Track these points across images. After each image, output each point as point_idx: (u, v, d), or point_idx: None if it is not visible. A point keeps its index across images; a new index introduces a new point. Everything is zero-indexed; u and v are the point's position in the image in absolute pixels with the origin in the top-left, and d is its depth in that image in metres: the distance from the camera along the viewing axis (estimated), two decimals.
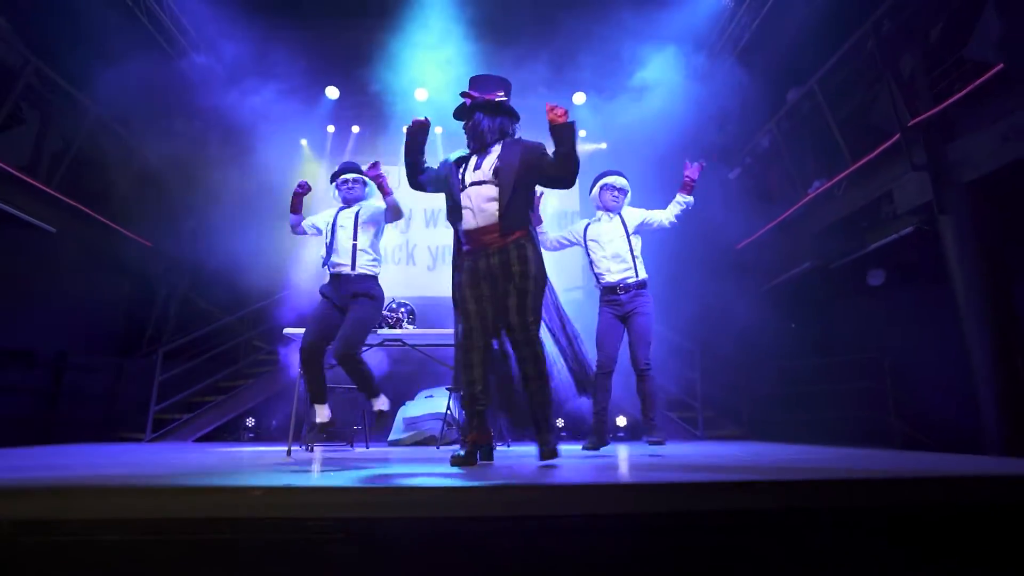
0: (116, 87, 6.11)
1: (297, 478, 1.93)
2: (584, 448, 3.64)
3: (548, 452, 2.56)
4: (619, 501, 1.60)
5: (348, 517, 1.55)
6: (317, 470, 2.42)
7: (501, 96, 2.82)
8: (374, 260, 3.56)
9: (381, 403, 3.41)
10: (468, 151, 2.86)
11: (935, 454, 3.67)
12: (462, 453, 2.52)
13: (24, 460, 3.06)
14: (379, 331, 4.09)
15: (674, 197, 3.83)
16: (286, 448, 3.94)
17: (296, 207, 3.69)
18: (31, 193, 5.44)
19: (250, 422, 6.58)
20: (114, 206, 6.58)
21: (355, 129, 8.41)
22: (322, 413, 3.41)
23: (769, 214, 6.54)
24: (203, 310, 7.47)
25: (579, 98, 7.99)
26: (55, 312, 5.92)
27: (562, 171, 2.65)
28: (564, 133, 2.61)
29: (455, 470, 2.28)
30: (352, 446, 5.06)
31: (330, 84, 7.90)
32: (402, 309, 4.28)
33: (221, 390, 6.63)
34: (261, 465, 2.69)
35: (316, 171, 8.23)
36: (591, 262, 3.86)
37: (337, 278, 3.48)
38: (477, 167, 2.75)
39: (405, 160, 2.89)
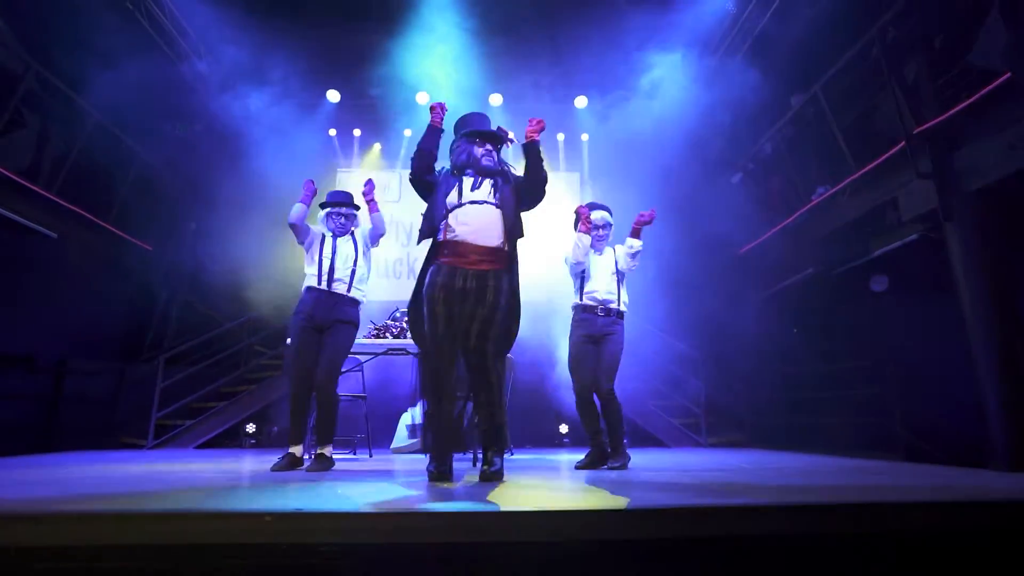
0: (117, 91, 6.08)
1: (306, 498, 1.91)
2: (577, 466, 3.58)
3: (492, 474, 2.63)
4: (586, 528, 1.59)
5: (359, 543, 1.54)
6: (326, 489, 2.40)
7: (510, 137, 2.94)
8: (364, 288, 3.65)
9: (328, 451, 3.44)
10: (453, 168, 2.89)
11: (941, 468, 3.67)
12: (434, 470, 2.63)
13: (26, 473, 3.04)
14: (382, 340, 4.08)
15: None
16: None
17: (307, 197, 3.67)
18: (32, 198, 5.42)
19: (252, 428, 6.55)
20: (115, 211, 6.55)
21: (356, 133, 8.38)
22: (298, 451, 3.39)
23: (772, 220, 6.52)
24: (204, 315, 7.44)
25: (581, 102, 7.98)
26: (56, 317, 5.89)
27: (531, 183, 2.84)
28: (532, 148, 2.83)
29: (459, 490, 2.26)
30: (355, 453, 5.05)
31: (331, 87, 7.87)
32: (406, 319, 4.27)
33: (223, 396, 6.60)
34: (267, 479, 2.68)
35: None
36: (581, 278, 3.78)
37: (328, 295, 3.49)
38: (475, 187, 2.78)
39: (422, 150, 2.86)
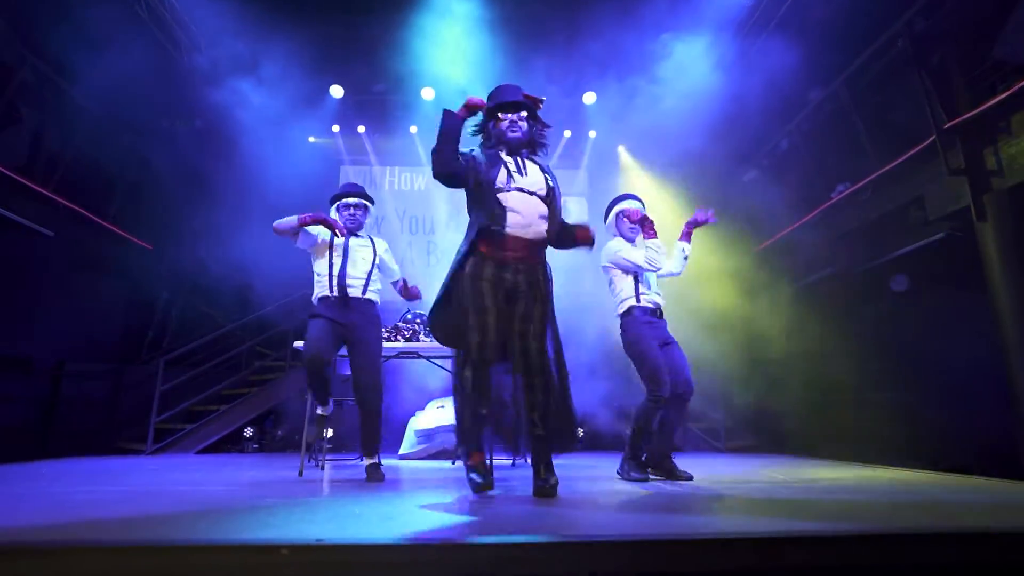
0: (116, 86, 5.91)
1: (325, 522, 1.74)
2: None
3: (547, 489, 2.42)
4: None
5: None
6: (346, 510, 2.23)
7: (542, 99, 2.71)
8: (379, 289, 3.55)
9: (376, 459, 3.34)
10: (489, 149, 2.65)
11: (975, 479, 3.50)
12: (479, 480, 2.45)
13: (16, 487, 2.88)
14: (394, 344, 3.92)
15: (680, 242, 3.60)
16: (292, 460, 3.76)
17: (306, 217, 3.38)
18: (28, 195, 5.25)
19: (253, 432, 6.37)
20: (113, 208, 6.39)
21: (361, 129, 8.21)
22: (325, 410, 3.52)
23: (790, 217, 6.36)
24: (205, 316, 7.27)
25: (589, 97, 7.81)
26: (53, 318, 5.73)
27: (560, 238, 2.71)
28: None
29: (512, 511, 2.10)
30: (362, 459, 4.88)
31: (335, 83, 7.69)
32: (417, 320, 4.11)
33: (224, 399, 6.43)
34: (276, 495, 2.51)
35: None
36: (636, 277, 3.46)
37: (344, 299, 3.33)
38: (522, 173, 2.57)
39: (444, 145, 2.49)
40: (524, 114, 2.65)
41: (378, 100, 8.04)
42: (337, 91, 7.74)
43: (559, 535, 1.58)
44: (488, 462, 2.63)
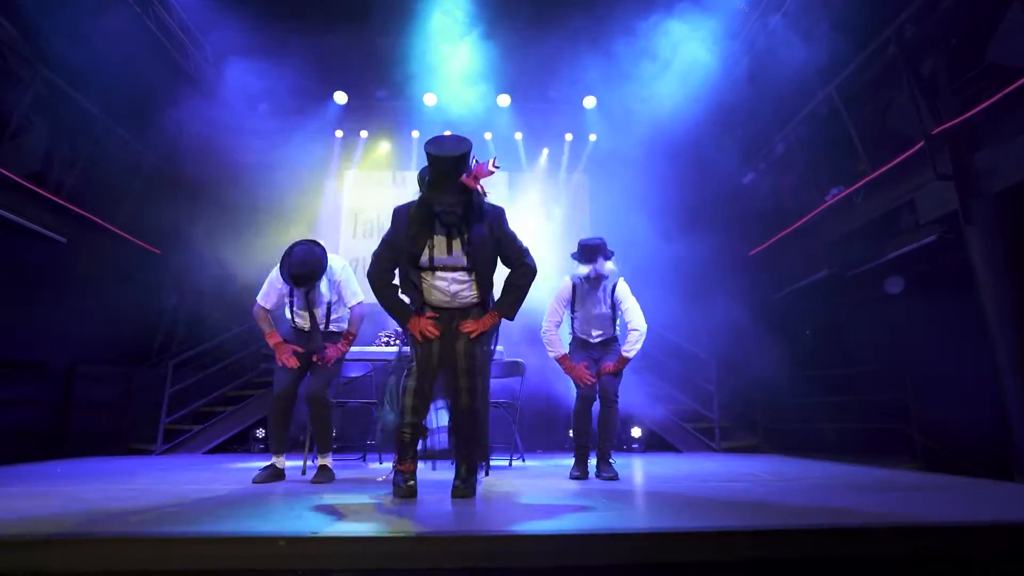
0: (125, 95, 6.08)
1: (320, 520, 1.86)
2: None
3: (462, 490, 2.49)
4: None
5: (374, 568, 1.49)
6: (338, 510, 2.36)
7: (494, 167, 2.54)
8: (341, 317, 3.46)
9: (328, 460, 3.34)
10: (421, 214, 2.58)
11: (964, 479, 3.58)
12: (402, 484, 2.49)
13: (32, 486, 3.01)
14: (392, 349, 4.04)
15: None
16: (296, 459, 3.88)
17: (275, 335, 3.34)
18: (40, 203, 5.40)
19: (260, 433, 6.51)
20: (123, 215, 6.54)
21: (363, 134, 8.34)
22: (280, 462, 3.28)
23: (783, 221, 6.44)
24: (212, 319, 7.42)
25: (589, 102, 7.91)
26: (65, 322, 5.87)
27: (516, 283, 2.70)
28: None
29: (467, 506, 2.21)
30: (364, 459, 5.01)
31: (338, 89, 7.83)
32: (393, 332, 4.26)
33: (231, 400, 6.58)
34: (276, 493, 2.63)
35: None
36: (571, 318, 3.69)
37: (309, 333, 3.35)
38: (449, 250, 2.59)
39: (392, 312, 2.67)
40: (452, 200, 2.46)
41: (380, 105, 8.17)
42: (341, 97, 7.88)
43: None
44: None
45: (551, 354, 3.60)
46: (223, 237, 6.85)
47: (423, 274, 2.61)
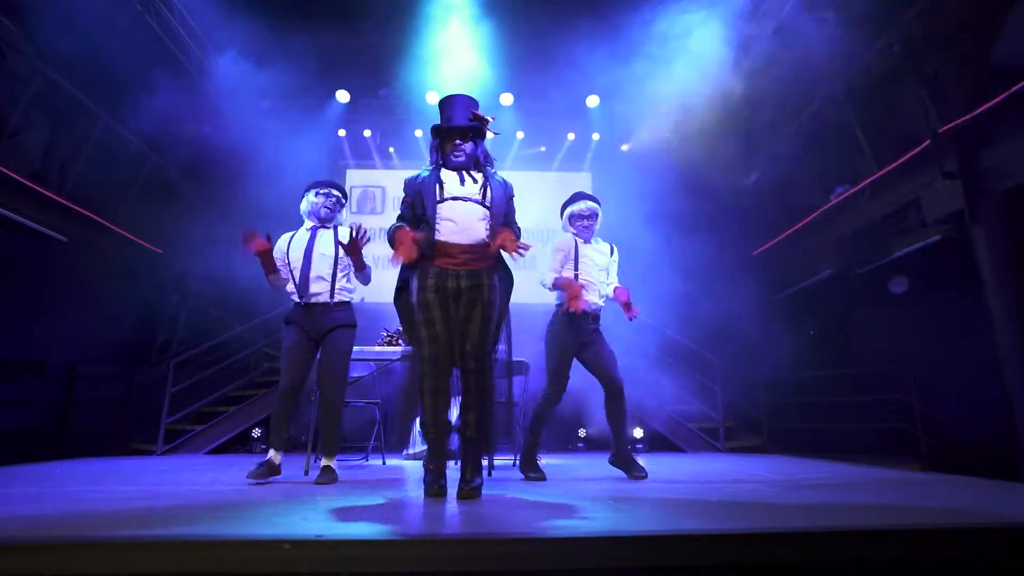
0: (126, 93, 6.05)
1: (325, 522, 1.83)
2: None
3: (469, 491, 2.42)
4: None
5: (383, 572, 1.47)
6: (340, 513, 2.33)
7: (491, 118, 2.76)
8: (351, 285, 3.32)
9: (333, 463, 3.20)
10: (433, 167, 2.72)
11: (967, 479, 3.55)
12: (434, 483, 2.48)
13: (32, 486, 2.99)
14: (397, 348, 4.02)
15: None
16: (298, 460, 3.85)
17: (270, 266, 3.18)
18: (41, 202, 5.39)
19: (257, 433, 6.49)
20: (124, 214, 6.52)
21: (367, 133, 8.32)
22: (277, 457, 3.11)
23: (788, 220, 6.41)
24: (214, 319, 7.39)
25: (592, 101, 7.88)
26: (66, 322, 5.86)
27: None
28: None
29: (478, 509, 2.18)
30: (368, 459, 4.98)
31: (341, 87, 7.81)
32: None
33: (232, 400, 6.55)
34: (279, 494, 2.60)
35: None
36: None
37: (311, 308, 3.20)
38: (461, 183, 2.64)
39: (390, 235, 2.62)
40: (467, 139, 2.68)
41: (383, 104, 8.16)
42: (343, 95, 7.86)
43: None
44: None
45: (549, 281, 3.37)
46: (224, 236, 6.82)
47: (438, 207, 2.60)
